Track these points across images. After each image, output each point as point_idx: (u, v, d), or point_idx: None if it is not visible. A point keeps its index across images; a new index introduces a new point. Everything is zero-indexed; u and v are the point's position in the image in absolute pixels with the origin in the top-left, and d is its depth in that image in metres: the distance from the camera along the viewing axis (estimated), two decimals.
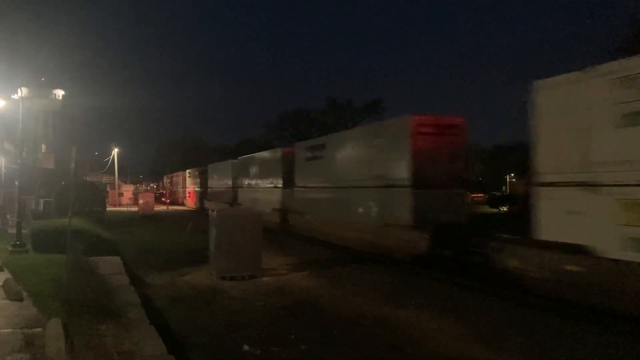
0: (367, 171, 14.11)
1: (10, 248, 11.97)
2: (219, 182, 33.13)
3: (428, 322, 7.22)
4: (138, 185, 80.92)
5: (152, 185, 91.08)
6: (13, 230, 14.62)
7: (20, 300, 7.33)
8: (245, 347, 6.04)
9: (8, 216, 20.31)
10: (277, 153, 22.43)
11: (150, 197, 37.71)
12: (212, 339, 6.42)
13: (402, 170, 12.37)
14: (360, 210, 14.35)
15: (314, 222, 17.62)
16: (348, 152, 15.80)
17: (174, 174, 56.80)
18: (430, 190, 11.98)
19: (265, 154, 25.50)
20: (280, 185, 21.00)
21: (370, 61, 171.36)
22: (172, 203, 48.98)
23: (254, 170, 25.42)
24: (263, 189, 23.34)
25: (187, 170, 46.76)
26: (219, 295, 8.95)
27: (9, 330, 5.90)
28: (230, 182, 29.61)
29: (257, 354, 5.88)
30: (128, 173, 78.38)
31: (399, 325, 7.08)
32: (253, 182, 25.29)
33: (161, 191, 65.41)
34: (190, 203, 43.30)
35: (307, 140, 21.79)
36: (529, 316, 7.47)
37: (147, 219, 29.10)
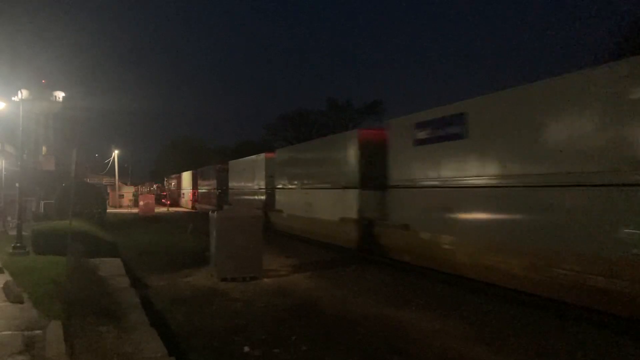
0: (611, 155, 7.17)
1: (10, 250, 11.97)
2: (246, 182, 27.47)
3: (429, 322, 7.21)
4: (139, 186, 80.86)
5: (153, 187, 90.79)
6: (14, 232, 14.63)
7: (21, 302, 7.32)
8: (246, 349, 6.03)
9: (9, 218, 20.35)
10: (350, 139, 15.40)
11: (150, 199, 37.79)
12: (213, 340, 6.40)
13: None
14: (586, 230, 7.47)
15: (447, 247, 10.57)
16: (544, 122, 8.38)
17: (181, 173, 52.32)
18: None
19: (324, 141, 19.70)
20: (357, 185, 14.67)
21: (370, 61, 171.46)
22: (176, 205, 48.52)
23: (303, 165, 19.74)
24: (322, 190, 17.20)
25: (199, 169, 42.74)
26: (219, 296, 8.94)
27: (9, 332, 5.89)
28: (262, 182, 24.05)
29: (258, 355, 5.87)
30: (129, 175, 78.54)
31: (400, 326, 7.07)
32: (303, 181, 19.26)
33: (163, 193, 64.64)
34: (202, 207, 38.82)
35: (413, 114, 12.75)
36: (530, 317, 7.45)
37: (147, 220, 29.10)
